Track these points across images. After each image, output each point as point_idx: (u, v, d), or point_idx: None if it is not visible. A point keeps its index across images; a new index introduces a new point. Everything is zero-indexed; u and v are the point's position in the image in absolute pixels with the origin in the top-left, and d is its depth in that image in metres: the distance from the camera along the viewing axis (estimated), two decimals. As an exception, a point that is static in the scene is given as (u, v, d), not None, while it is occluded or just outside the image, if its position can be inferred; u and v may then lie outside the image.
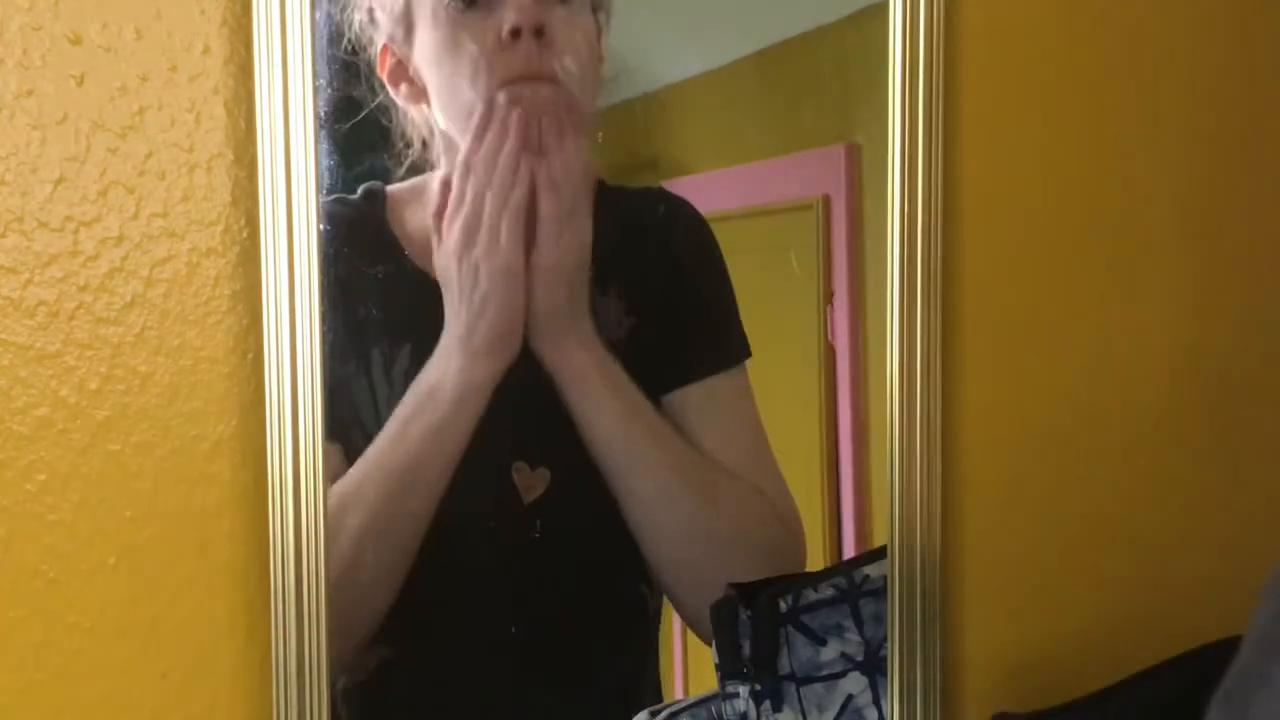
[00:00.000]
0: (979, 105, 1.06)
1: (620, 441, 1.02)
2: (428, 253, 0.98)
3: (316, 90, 0.88)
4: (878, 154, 1.03)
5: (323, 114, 0.89)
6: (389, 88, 0.97)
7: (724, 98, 1.09)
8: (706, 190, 1.07)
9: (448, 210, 0.97)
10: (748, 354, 1.06)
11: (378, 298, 0.97)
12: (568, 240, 0.98)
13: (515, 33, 0.96)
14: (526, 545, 1.01)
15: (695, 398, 1.05)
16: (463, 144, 0.97)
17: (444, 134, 0.99)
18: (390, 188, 0.98)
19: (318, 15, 0.88)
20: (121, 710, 0.89)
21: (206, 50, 0.88)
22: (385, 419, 0.97)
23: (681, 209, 1.05)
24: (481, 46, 0.97)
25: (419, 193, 0.99)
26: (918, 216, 1.03)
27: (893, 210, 1.03)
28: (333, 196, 0.93)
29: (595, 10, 1.01)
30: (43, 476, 0.87)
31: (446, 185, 0.98)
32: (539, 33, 0.96)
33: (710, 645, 1.03)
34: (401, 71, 0.97)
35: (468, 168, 0.96)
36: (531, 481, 1.01)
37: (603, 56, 1.01)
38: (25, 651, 0.88)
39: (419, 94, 0.98)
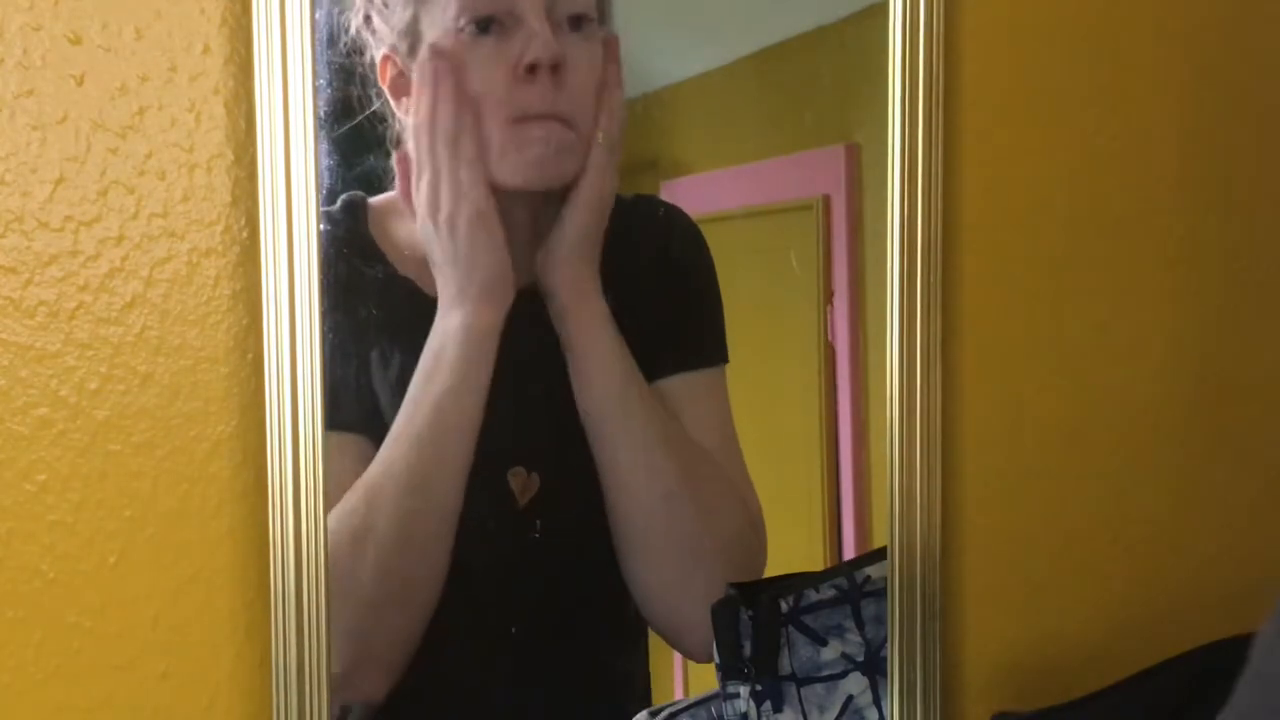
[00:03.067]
0: (979, 105, 1.06)
1: (617, 398, 1.02)
2: (413, 261, 0.97)
3: (316, 90, 0.88)
4: (878, 154, 1.03)
5: (323, 114, 0.89)
6: (391, 99, 0.96)
7: (724, 98, 1.09)
8: (706, 190, 1.07)
9: (412, 182, 0.96)
10: (726, 359, 1.06)
11: (370, 305, 0.97)
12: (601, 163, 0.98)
13: (532, 68, 0.95)
14: (526, 547, 1.01)
15: (674, 388, 1.05)
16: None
17: None
18: (373, 199, 0.97)
19: (318, 15, 0.88)
20: (121, 710, 0.89)
21: (206, 50, 0.88)
22: (391, 420, 0.97)
23: (678, 215, 1.05)
24: (493, 79, 0.96)
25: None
26: (918, 216, 1.03)
27: (893, 210, 1.03)
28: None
29: (603, 37, 1.00)
30: (43, 476, 0.87)
31: (404, 160, 0.97)
32: (555, 69, 0.96)
33: (673, 646, 1.05)
34: (404, 84, 0.96)
35: (416, 133, 0.96)
36: (527, 485, 1.01)
37: (621, 82, 1.00)
38: (25, 651, 0.88)
39: None
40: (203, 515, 0.90)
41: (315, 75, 0.88)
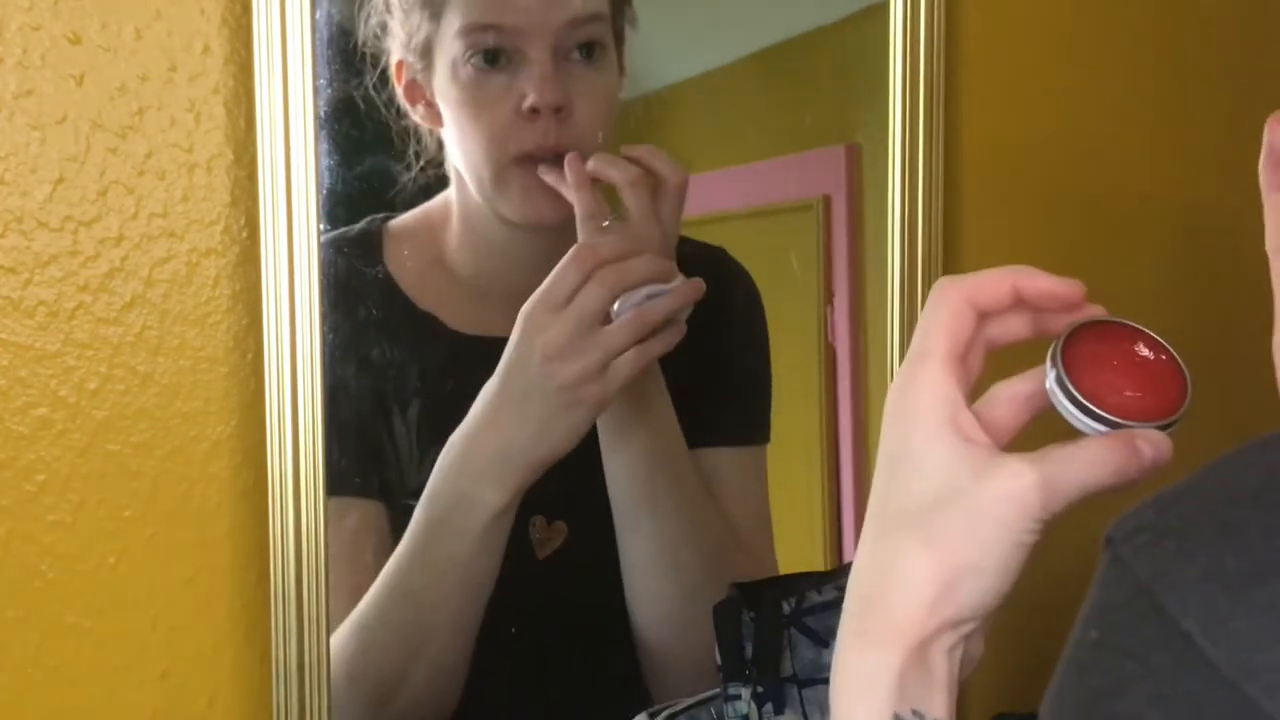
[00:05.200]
0: (979, 106, 1.06)
1: (644, 488, 0.98)
2: (433, 293, 0.95)
3: (316, 90, 0.88)
4: (878, 154, 1.03)
5: (323, 114, 0.89)
6: (406, 104, 0.95)
7: (724, 98, 1.09)
8: (706, 190, 1.07)
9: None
10: (769, 439, 1.06)
11: (383, 348, 0.94)
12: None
13: (534, 110, 0.93)
14: (539, 600, 1.00)
15: (717, 461, 1.03)
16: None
17: (455, 169, 0.97)
18: (392, 224, 0.96)
19: (318, 15, 0.88)
20: (121, 710, 0.89)
21: (206, 50, 0.88)
22: (408, 474, 0.95)
23: (743, 277, 1.05)
24: (499, 116, 0.94)
25: (423, 224, 0.98)
26: (918, 216, 1.03)
27: (893, 210, 1.03)
28: (327, 237, 0.90)
29: (620, 60, 0.99)
30: (42, 476, 0.87)
31: None
32: (559, 109, 0.94)
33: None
34: (418, 92, 0.95)
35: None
36: (548, 535, 1.00)
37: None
38: (25, 651, 0.87)
39: (435, 118, 0.96)
40: (203, 515, 0.90)
41: (315, 75, 0.88)
